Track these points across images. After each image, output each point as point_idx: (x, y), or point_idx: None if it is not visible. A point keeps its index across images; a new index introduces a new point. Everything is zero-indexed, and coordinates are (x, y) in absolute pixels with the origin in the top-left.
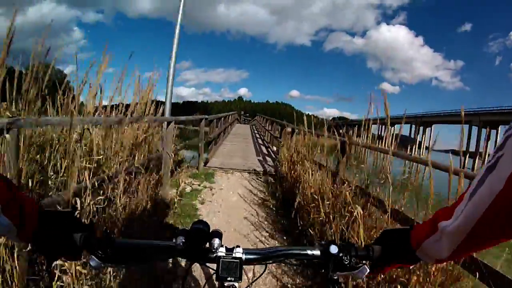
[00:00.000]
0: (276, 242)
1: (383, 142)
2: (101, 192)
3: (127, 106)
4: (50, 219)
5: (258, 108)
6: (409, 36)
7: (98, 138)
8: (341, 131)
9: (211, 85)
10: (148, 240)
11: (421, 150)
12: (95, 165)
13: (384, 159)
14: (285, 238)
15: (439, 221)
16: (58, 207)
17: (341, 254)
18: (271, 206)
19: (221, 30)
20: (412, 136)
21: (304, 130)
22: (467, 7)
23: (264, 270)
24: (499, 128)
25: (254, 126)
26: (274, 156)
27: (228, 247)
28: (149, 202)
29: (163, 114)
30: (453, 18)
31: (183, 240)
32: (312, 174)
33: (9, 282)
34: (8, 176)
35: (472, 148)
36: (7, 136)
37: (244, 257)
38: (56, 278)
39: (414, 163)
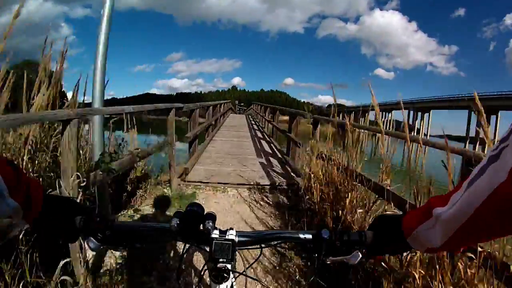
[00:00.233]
0: None
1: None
2: None
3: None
4: (54, 202)
5: (253, 97)
6: (402, 22)
7: None
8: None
9: (204, 76)
10: (144, 223)
11: (420, 136)
12: None
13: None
14: None
15: (434, 207)
16: None
17: (333, 238)
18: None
19: (212, 20)
20: (411, 122)
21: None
22: None
23: (260, 255)
24: (499, 113)
25: (250, 116)
26: (281, 157)
27: (221, 229)
28: None
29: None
30: (446, 3)
31: (178, 222)
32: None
33: None
34: None
35: (472, 135)
36: None
37: (237, 239)
38: None
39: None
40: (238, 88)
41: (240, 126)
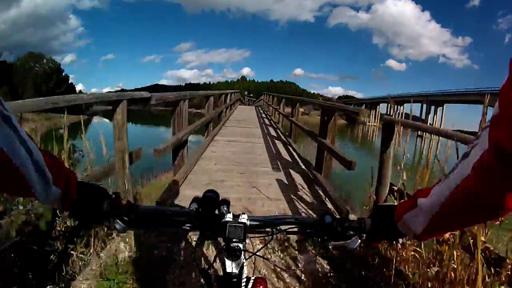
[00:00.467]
0: None
1: None
2: None
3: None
4: (86, 189)
5: (263, 87)
6: (415, 11)
7: None
8: None
9: (213, 66)
10: (166, 207)
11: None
12: None
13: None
14: None
15: (418, 197)
16: None
17: (334, 224)
18: None
19: (221, 9)
20: (423, 116)
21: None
22: None
23: (272, 238)
24: None
25: (260, 108)
26: (307, 171)
27: (235, 213)
28: None
29: None
30: None
31: (196, 207)
32: None
33: None
34: None
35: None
36: None
37: (248, 222)
38: None
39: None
40: (248, 79)
41: (249, 120)
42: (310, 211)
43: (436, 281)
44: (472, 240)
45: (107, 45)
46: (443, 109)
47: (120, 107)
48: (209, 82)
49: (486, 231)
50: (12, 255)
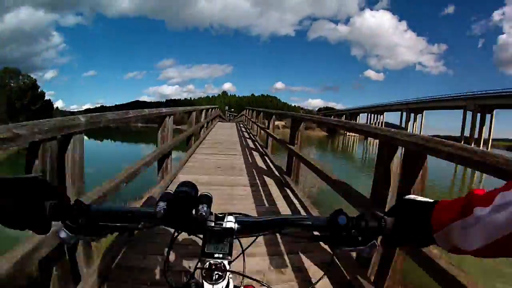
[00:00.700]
0: None
1: None
2: None
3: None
4: (17, 187)
5: (244, 102)
6: (393, 21)
7: None
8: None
9: (195, 82)
10: (127, 207)
11: None
12: None
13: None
14: None
15: (476, 205)
16: None
17: (350, 226)
18: None
19: (204, 26)
20: (403, 124)
21: None
22: None
23: (255, 239)
24: (494, 112)
25: (241, 125)
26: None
27: (218, 214)
28: None
29: None
30: (436, 0)
31: (164, 207)
32: None
33: None
34: None
35: (467, 135)
36: None
37: (236, 226)
38: None
39: None
40: (229, 93)
41: (229, 142)
42: None
43: None
44: None
45: (89, 61)
46: (422, 116)
47: None
48: (190, 98)
49: None
50: None
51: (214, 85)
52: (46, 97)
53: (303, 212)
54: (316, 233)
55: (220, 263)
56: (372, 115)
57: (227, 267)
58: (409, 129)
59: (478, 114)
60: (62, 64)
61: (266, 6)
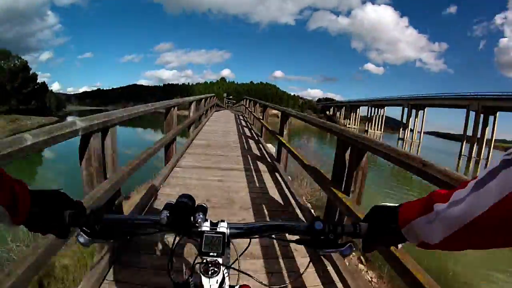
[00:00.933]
0: None
1: (373, 123)
2: None
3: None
4: (42, 198)
5: (242, 89)
6: (394, 17)
7: None
8: (327, 112)
9: (193, 67)
10: (134, 216)
11: (413, 134)
12: None
13: None
14: None
15: (436, 201)
16: None
17: (326, 230)
18: None
19: (202, 10)
20: (404, 120)
21: None
22: None
23: (248, 245)
24: (497, 114)
25: (241, 117)
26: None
27: (213, 221)
28: None
29: None
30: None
31: (167, 215)
32: None
33: None
34: None
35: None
36: None
37: (228, 231)
38: None
39: None
40: (227, 80)
41: (226, 144)
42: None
43: None
44: None
45: (85, 43)
46: (424, 112)
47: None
48: (188, 83)
49: None
50: None
51: (212, 71)
52: (41, 79)
53: (287, 192)
54: (297, 237)
55: (215, 260)
56: (373, 108)
57: (221, 264)
58: (410, 125)
59: (481, 115)
60: (58, 45)
61: None
